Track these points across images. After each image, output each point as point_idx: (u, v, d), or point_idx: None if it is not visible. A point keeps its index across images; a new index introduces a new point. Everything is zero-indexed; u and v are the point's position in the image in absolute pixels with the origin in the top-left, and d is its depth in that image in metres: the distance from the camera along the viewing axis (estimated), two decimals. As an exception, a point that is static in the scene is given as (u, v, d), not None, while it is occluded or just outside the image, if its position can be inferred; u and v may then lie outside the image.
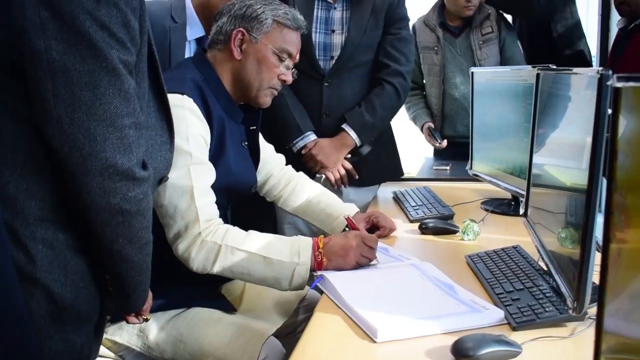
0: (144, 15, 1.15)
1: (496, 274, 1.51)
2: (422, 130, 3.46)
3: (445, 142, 3.31)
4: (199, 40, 2.28)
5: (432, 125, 3.37)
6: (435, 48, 3.39)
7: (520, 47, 3.46)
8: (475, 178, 2.61)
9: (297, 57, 1.86)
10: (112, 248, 1.15)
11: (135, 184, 1.11)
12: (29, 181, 1.09)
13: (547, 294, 1.34)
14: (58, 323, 1.13)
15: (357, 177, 2.52)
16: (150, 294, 1.39)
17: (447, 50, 3.38)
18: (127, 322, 1.42)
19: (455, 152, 3.44)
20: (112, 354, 1.70)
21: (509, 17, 3.49)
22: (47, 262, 1.11)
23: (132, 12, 1.09)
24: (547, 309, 1.28)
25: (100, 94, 1.04)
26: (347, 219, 1.91)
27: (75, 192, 1.09)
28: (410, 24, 2.67)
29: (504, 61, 3.34)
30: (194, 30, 2.25)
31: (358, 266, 1.64)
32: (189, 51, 2.26)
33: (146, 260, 1.23)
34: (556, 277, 1.32)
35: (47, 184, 1.11)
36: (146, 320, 1.44)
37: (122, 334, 1.67)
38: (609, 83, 1.03)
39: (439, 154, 3.57)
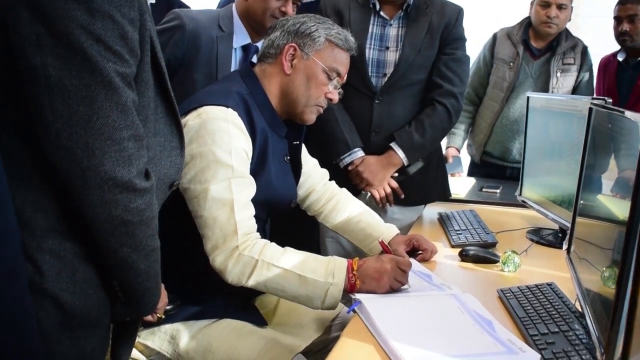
0: (145, 25, 1.14)
1: (530, 313, 1.46)
2: (446, 148, 3.34)
3: (462, 174, 3.18)
4: (244, 48, 2.32)
5: (458, 153, 3.23)
6: (511, 63, 3.27)
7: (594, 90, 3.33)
8: (524, 205, 2.54)
9: (345, 77, 1.86)
10: (116, 256, 1.15)
11: (137, 195, 1.11)
12: (35, 193, 1.11)
13: (584, 340, 1.30)
14: (68, 330, 1.14)
15: (402, 196, 2.50)
16: (164, 293, 1.39)
17: (523, 69, 3.26)
18: (143, 321, 1.42)
19: (486, 172, 3.40)
20: (143, 358, 1.73)
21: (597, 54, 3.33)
22: (54, 272, 1.12)
23: (130, 23, 1.08)
24: (583, 357, 1.23)
25: (97, 108, 1.05)
26: (381, 243, 1.89)
27: (77, 204, 1.10)
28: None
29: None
30: (240, 38, 2.30)
31: (391, 290, 1.62)
32: (235, 59, 2.30)
33: (154, 266, 1.23)
34: (589, 322, 1.27)
35: (52, 195, 1.12)
36: (160, 318, 1.44)
37: (154, 339, 1.70)
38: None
39: (474, 170, 3.52)
